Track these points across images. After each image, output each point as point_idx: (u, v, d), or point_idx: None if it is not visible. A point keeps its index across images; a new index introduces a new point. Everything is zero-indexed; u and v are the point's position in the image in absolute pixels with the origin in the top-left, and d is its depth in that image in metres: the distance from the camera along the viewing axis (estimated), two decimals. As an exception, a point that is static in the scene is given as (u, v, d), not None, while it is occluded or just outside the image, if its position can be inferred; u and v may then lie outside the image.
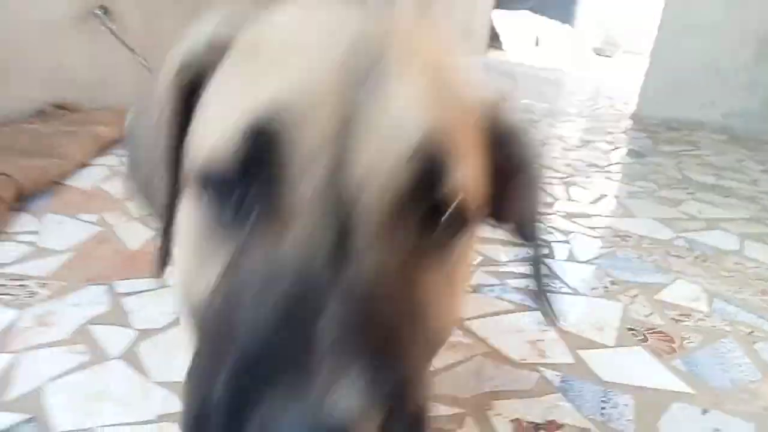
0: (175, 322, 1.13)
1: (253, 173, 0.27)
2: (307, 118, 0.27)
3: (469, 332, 1.22)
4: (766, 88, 3.77)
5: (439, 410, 0.98)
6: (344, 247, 0.26)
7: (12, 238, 1.40)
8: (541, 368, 1.13)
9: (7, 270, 1.27)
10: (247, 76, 0.30)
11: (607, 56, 10.51)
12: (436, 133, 0.29)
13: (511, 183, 0.40)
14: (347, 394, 0.23)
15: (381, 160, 0.27)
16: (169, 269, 0.39)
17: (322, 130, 0.27)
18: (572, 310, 1.36)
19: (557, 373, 1.12)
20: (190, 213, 0.32)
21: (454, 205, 0.31)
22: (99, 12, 2.24)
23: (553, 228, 1.86)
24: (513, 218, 0.41)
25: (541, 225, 0.42)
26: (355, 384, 0.23)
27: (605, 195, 2.29)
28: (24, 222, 1.49)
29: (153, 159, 0.35)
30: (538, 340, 1.22)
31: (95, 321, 1.12)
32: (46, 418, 0.88)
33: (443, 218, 0.31)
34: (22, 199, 1.57)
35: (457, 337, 1.20)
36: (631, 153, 3.09)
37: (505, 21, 9.20)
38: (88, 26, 2.28)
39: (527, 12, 9.71)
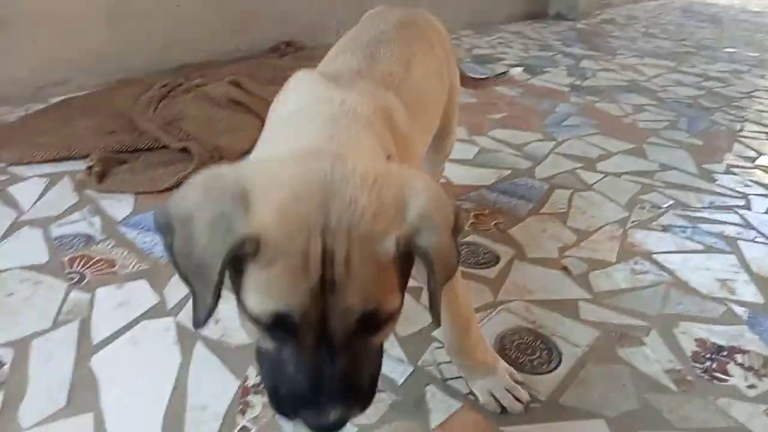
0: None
1: (281, 328, 0.54)
2: (303, 313, 0.52)
3: (656, 264, 1.32)
4: None
5: (625, 321, 1.12)
6: (330, 352, 0.54)
7: (269, 148, 1.78)
8: (729, 303, 1.20)
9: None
10: (269, 284, 0.52)
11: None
12: (368, 309, 0.53)
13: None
14: (338, 410, 0.54)
15: (342, 320, 0.53)
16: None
17: (311, 317, 0.52)
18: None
19: (745, 309, 1.18)
20: (245, 315, 0.56)
21: (383, 322, 0.57)
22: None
23: (753, 181, 1.80)
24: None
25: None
26: (341, 406, 0.54)
27: (819, 153, 2.11)
28: (275, 136, 1.86)
29: (197, 284, 0.54)
30: (728, 280, 1.28)
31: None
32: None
33: (377, 331, 0.57)
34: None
35: (645, 267, 1.30)
36: None
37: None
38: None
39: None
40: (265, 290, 0.52)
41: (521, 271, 1.25)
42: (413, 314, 1.07)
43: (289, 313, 0.51)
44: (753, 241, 1.45)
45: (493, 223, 1.43)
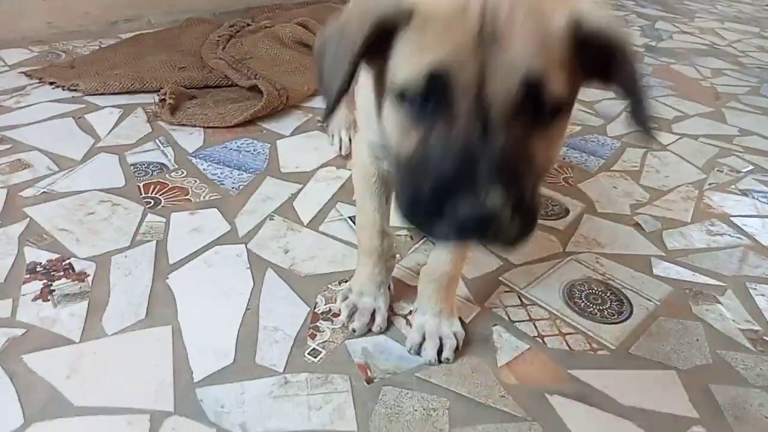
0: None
1: (432, 94, 0.50)
2: (460, 68, 0.48)
3: (734, 227, 1.26)
4: None
5: (699, 279, 1.08)
6: (486, 130, 0.48)
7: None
8: (813, 270, 1.14)
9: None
10: (423, 41, 0.50)
11: None
12: (533, 69, 0.48)
13: (610, 63, 0.52)
14: (494, 197, 0.46)
15: (502, 82, 0.48)
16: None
17: (469, 74, 0.48)
18: None
19: (830, 278, 1.12)
20: (390, 109, 0.55)
21: (549, 107, 0.50)
22: None
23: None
24: (617, 82, 0.53)
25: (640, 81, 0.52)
26: (498, 192, 0.47)
27: None
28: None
29: (335, 71, 0.55)
30: (811, 247, 1.21)
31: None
32: (381, 216, 1.19)
33: (544, 113, 0.51)
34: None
35: (721, 229, 1.25)
36: None
37: None
38: None
39: None
40: (418, 51, 0.49)
41: (591, 225, 1.22)
42: (477, 259, 1.07)
43: (443, 71, 0.48)
44: (840, 211, 1.37)
45: (562, 177, 1.39)
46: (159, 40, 1.98)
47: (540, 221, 1.20)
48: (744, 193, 1.40)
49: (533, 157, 0.51)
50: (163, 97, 1.52)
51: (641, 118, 0.51)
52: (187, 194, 1.21)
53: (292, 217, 1.16)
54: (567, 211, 1.26)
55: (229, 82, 1.67)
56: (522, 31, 0.47)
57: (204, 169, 1.30)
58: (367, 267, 0.92)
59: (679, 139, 1.67)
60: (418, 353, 0.86)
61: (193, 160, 1.34)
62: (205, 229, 1.11)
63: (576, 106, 1.64)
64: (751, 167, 1.54)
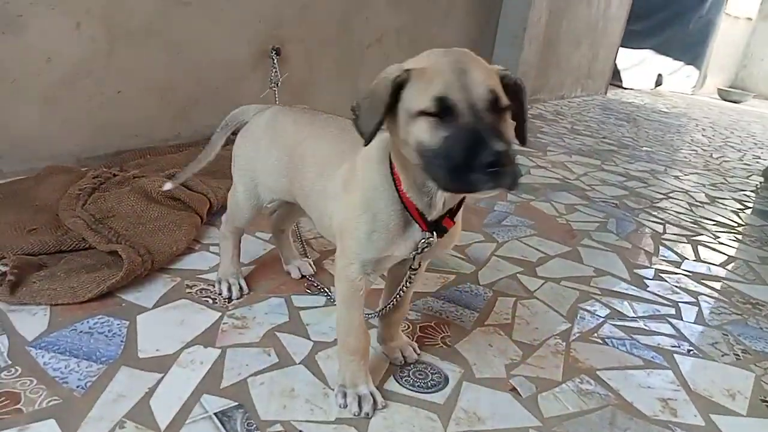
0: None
1: (443, 111, 0.84)
2: (452, 91, 0.84)
3: (601, 382, 1.32)
4: None
5: (576, 451, 1.09)
6: (478, 119, 0.83)
7: (206, 248, 1.69)
8: (673, 426, 1.20)
9: (206, 276, 1.54)
10: (425, 84, 0.86)
11: (735, 101, 9.88)
12: (492, 86, 0.86)
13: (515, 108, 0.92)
14: (499, 144, 0.79)
15: (480, 93, 0.85)
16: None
17: (458, 92, 0.84)
18: (703, 373, 1.41)
19: (689, 434, 1.19)
20: (413, 126, 0.87)
21: (505, 106, 0.87)
22: (272, 54, 2.59)
23: (681, 288, 1.89)
24: (516, 111, 0.92)
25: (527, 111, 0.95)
26: (500, 141, 0.80)
27: (735, 258, 2.26)
28: (214, 235, 1.78)
29: (370, 120, 0.89)
30: (669, 399, 1.29)
31: (280, 329, 1.35)
32: (253, 407, 1.10)
33: (502, 109, 0.87)
34: (211, 215, 1.87)
35: (590, 386, 1.30)
36: (761, 214, 2.97)
37: (627, 59, 8.99)
38: (262, 64, 2.64)
39: (650, 51, 9.43)
40: (424, 89, 0.85)
41: (471, 394, 1.21)
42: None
43: (444, 94, 0.83)
44: (687, 354, 1.49)
45: (440, 338, 1.40)
46: (10, 193, 1.81)
47: (420, 396, 1.18)
48: (605, 341, 1.49)
49: (505, 129, 0.86)
50: (3, 271, 1.35)
51: (522, 135, 0.95)
52: (19, 402, 1.03)
53: (147, 421, 1.03)
54: (447, 380, 1.25)
55: (87, 245, 1.54)
56: (477, 66, 0.87)
57: (45, 364, 1.14)
58: (354, 363, 1.14)
59: (544, 283, 1.78)
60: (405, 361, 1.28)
61: (33, 352, 1.17)
62: (36, 453, 0.94)
63: (449, 252, 1.69)
64: (608, 311, 1.66)
